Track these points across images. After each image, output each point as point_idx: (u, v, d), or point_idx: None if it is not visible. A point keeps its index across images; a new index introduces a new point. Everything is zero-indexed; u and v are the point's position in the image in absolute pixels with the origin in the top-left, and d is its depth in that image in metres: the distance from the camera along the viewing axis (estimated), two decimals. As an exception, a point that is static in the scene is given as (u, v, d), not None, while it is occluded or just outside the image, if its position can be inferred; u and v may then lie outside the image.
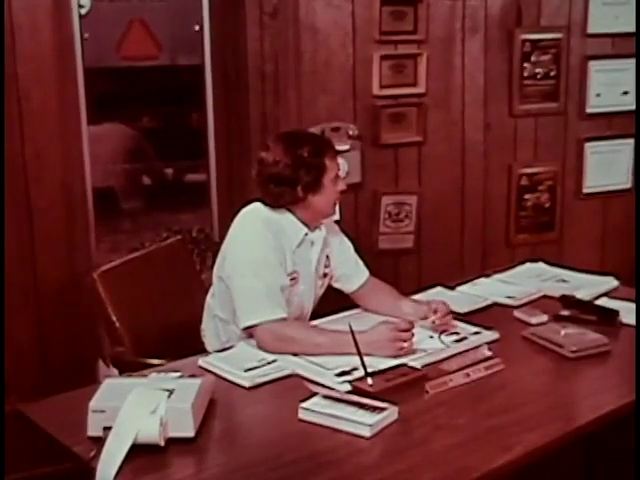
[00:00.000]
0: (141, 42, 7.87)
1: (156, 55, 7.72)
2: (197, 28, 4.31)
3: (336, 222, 2.94)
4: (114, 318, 2.73)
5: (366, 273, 2.90)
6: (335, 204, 2.73)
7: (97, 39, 6.92)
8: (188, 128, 7.08)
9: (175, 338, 2.80)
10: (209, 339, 2.77)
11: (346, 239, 2.93)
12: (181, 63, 7.15)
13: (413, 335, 2.45)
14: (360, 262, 2.91)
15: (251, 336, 2.55)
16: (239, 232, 2.66)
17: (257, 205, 2.69)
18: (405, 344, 2.42)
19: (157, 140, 7.22)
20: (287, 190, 2.60)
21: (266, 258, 2.56)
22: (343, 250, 2.89)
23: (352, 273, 2.88)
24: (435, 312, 2.60)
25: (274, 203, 2.65)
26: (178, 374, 2.16)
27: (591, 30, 4.13)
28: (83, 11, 4.15)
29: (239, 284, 2.57)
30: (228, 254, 2.65)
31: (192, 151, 5.78)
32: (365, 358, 2.24)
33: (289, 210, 2.66)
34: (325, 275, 2.82)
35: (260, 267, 2.55)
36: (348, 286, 2.87)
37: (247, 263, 2.57)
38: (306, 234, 2.69)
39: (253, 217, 2.66)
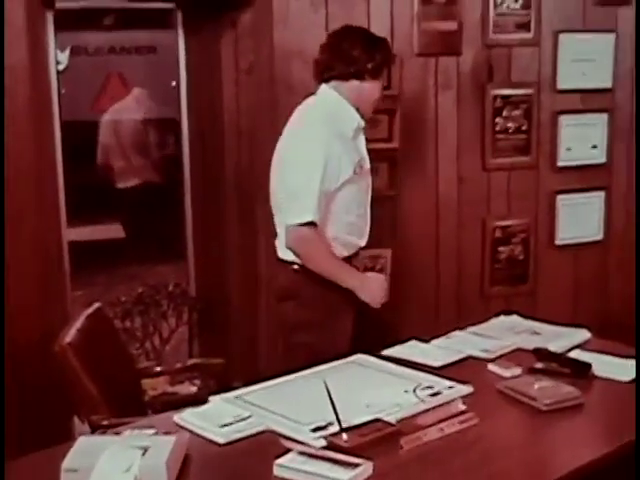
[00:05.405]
0: (119, 96, 7.96)
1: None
2: (174, 84, 4.38)
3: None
4: (90, 385, 2.70)
5: None
6: (375, 104, 3.13)
7: (74, 93, 7.00)
8: (165, 181, 7.14)
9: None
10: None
11: None
12: (158, 117, 7.25)
13: None
14: None
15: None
16: (299, 133, 3.05)
17: (315, 102, 3.10)
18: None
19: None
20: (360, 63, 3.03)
21: (321, 162, 2.90)
22: None
23: None
24: None
25: (344, 72, 3.03)
26: (152, 431, 2.16)
27: (560, 86, 4.23)
28: (60, 67, 4.21)
29: (294, 181, 2.94)
30: (287, 150, 3.05)
31: (169, 204, 5.82)
32: (340, 412, 2.24)
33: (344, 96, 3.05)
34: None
35: (316, 169, 2.90)
36: None
37: (304, 163, 2.93)
38: (359, 123, 3.08)
39: (313, 117, 3.05)
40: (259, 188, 3.85)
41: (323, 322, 3.00)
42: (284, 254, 3.05)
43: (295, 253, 2.98)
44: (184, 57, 4.22)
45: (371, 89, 3.08)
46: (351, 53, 3.04)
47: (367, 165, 3.16)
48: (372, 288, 3.02)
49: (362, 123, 3.11)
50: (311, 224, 2.91)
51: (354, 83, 3.05)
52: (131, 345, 4.16)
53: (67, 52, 7.36)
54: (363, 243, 3.18)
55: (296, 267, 3.02)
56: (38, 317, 3.42)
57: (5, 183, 3.29)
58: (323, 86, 3.11)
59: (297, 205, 2.93)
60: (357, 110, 3.08)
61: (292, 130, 3.10)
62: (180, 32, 4.21)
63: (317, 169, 2.92)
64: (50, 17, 3.82)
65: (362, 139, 3.17)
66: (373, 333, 3.05)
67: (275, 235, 3.11)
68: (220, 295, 4.21)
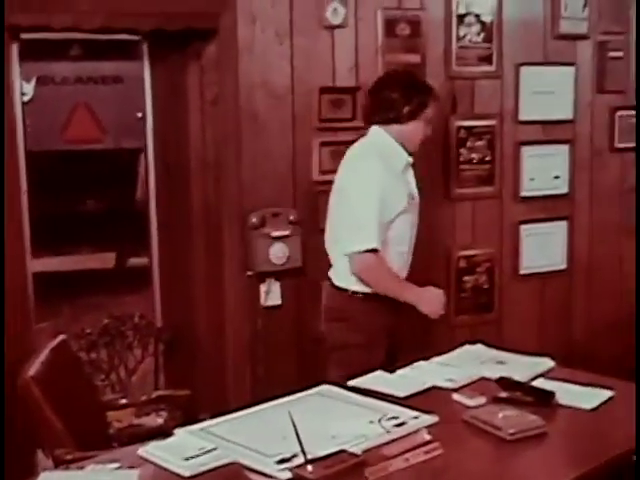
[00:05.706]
0: (86, 125, 7.96)
1: (100, 138, 7.82)
2: (140, 115, 4.37)
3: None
4: (53, 418, 2.67)
5: None
6: (419, 141, 3.29)
7: (41, 123, 6.97)
8: (132, 211, 7.12)
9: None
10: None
11: None
12: (125, 146, 7.24)
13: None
14: None
15: None
16: (357, 168, 3.24)
17: (366, 143, 3.28)
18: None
19: (100, 223, 7.23)
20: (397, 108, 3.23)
21: (379, 194, 3.12)
22: None
23: None
24: None
25: (384, 117, 3.24)
26: (116, 465, 2.14)
27: (522, 117, 4.29)
28: (26, 98, 4.19)
29: (354, 213, 3.15)
30: (345, 187, 3.24)
31: (135, 234, 5.80)
32: (305, 443, 2.24)
33: (391, 136, 3.24)
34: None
35: (374, 200, 3.11)
36: None
37: (364, 195, 3.13)
38: (407, 160, 3.26)
39: (367, 155, 3.23)
40: (226, 219, 3.87)
41: (364, 345, 3.24)
42: (339, 281, 3.31)
43: (360, 278, 3.21)
44: (150, 88, 4.23)
45: (412, 130, 3.27)
46: (390, 98, 3.25)
47: (417, 198, 3.35)
48: (431, 301, 3.24)
49: (410, 160, 3.30)
50: (374, 251, 3.14)
51: (395, 127, 3.26)
52: (96, 377, 4.12)
53: (33, 82, 7.34)
54: (404, 275, 3.33)
55: (350, 294, 3.27)
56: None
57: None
58: (373, 127, 3.32)
59: (360, 234, 3.16)
60: (404, 147, 3.27)
61: (348, 168, 3.31)
62: (146, 63, 4.21)
63: (375, 201, 3.14)
64: (15, 48, 3.81)
65: (411, 173, 3.35)
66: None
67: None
68: (186, 326, 4.20)
